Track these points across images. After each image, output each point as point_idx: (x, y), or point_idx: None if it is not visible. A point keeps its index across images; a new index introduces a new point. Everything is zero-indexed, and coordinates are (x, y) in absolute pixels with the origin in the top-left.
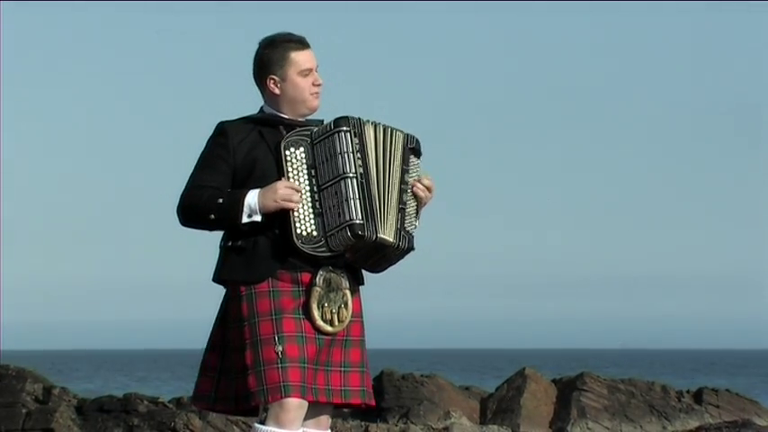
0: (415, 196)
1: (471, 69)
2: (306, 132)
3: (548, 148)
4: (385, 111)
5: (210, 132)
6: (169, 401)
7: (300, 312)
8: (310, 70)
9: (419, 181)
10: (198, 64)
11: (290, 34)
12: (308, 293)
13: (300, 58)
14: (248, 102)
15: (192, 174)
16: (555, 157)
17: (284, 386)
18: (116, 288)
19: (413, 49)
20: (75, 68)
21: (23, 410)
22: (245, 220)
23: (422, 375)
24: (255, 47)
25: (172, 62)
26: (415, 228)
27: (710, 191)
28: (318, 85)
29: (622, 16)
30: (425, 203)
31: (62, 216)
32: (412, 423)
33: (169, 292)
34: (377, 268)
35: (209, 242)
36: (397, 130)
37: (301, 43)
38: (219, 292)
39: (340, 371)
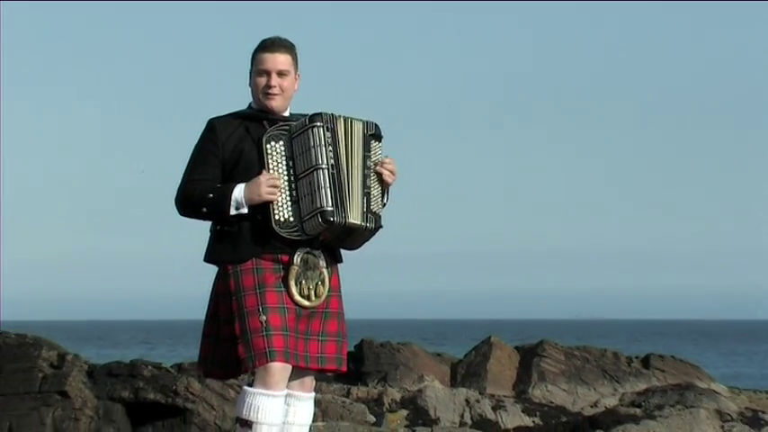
0: (380, 179)
1: (465, 64)
2: (286, 127)
3: (520, 131)
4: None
5: (199, 126)
6: (171, 367)
7: (281, 286)
8: (266, 72)
9: (381, 164)
10: (188, 61)
11: (270, 38)
12: (286, 272)
13: (260, 59)
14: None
15: (186, 169)
16: (531, 139)
17: (269, 352)
18: (126, 263)
19: (406, 43)
20: (75, 66)
21: (40, 375)
22: (232, 212)
23: (398, 343)
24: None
25: (165, 60)
26: (383, 206)
27: (666, 175)
28: (271, 86)
29: (616, 11)
30: (390, 184)
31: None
32: (389, 386)
33: (173, 267)
34: (352, 246)
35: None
36: (355, 119)
37: (268, 46)
38: (211, 268)
39: (318, 339)
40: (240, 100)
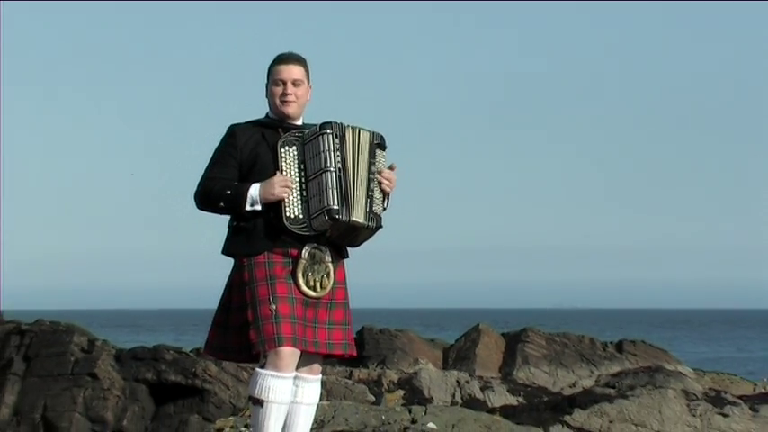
0: (381, 186)
1: (466, 67)
2: (299, 134)
3: (519, 133)
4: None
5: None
6: (191, 351)
7: (290, 278)
8: (282, 81)
9: (381, 172)
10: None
11: (285, 53)
12: (295, 264)
13: (275, 70)
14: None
15: (207, 167)
16: (529, 140)
17: (278, 337)
18: (151, 257)
19: (409, 48)
20: (83, 67)
21: (72, 358)
22: (247, 208)
23: (396, 330)
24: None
25: (169, 65)
26: (384, 209)
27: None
28: (287, 94)
29: (615, 11)
30: (391, 190)
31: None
32: (388, 368)
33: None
34: (354, 243)
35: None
36: (364, 129)
37: (284, 59)
38: (227, 261)
39: (325, 327)
40: (236, 108)
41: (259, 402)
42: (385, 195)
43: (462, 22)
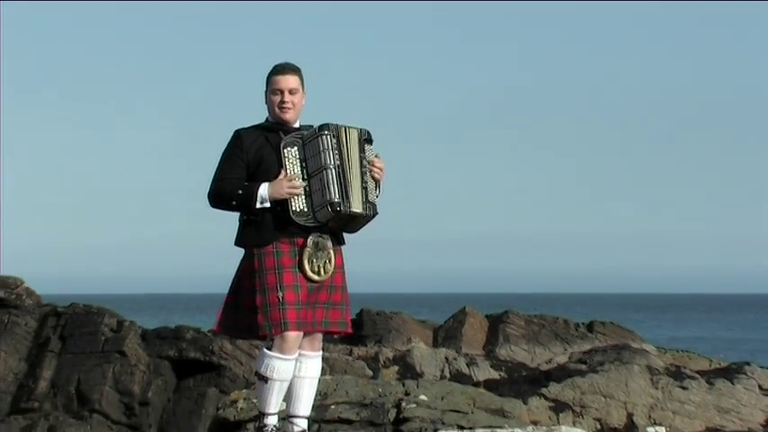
0: (373, 175)
1: (462, 78)
2: (299, 135)
3: (517, 136)
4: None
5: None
6: (208, 331)
7: (296, 267)
8: (280, 91)
9: (372, 163)
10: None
11: (281, 63)
12: (301, 253)
13: (273, 80)
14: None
15: (217, 169)
16: (525, 143)
17: (284, 323)
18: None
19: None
20: (80, 67)
21: (102, 337)
22: (258, 206)
23: (391, 312)
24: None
25: (176, 70)
26: (377, 196)
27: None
28: (284, 102)
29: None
30: (381, 178)
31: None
32: (384, 347)
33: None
34: (352, 230)
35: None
36: (352, 127)
37: (280, 70)
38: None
39: (324, 308)
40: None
41: (264, 379)
42: (376, 183)
43: (462, 23)
